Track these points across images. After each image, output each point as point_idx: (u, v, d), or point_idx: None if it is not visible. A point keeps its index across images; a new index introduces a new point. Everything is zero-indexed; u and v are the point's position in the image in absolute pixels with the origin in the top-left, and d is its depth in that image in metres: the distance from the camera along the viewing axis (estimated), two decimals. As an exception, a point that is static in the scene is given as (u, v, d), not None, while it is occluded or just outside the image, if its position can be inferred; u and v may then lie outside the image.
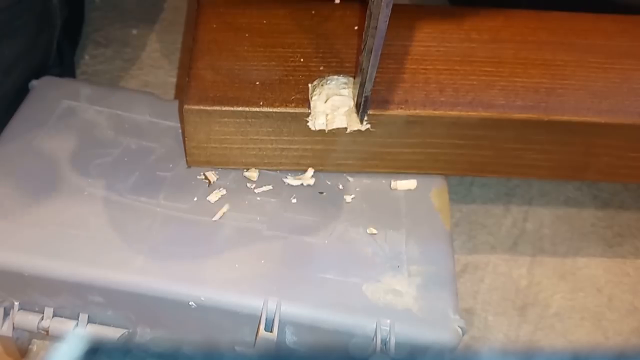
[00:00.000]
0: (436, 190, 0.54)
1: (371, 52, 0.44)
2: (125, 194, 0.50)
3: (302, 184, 0.52)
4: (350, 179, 0.54)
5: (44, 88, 0.57)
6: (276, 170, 0.53)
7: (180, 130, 0.55)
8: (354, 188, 0.53)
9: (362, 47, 0.45)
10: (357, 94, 0.48)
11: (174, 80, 0.75)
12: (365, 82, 0.46)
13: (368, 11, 0.43)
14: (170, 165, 0.53)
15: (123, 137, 0.54)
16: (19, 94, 0.57)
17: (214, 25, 0.55)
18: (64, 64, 0.67)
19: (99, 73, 0.74)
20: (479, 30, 0.56)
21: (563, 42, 0.56)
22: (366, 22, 0.44)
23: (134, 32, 0.80)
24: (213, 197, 0.51)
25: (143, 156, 0.53)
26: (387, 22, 0.42)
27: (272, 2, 0.57)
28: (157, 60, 0.77)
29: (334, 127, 0.50)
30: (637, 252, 0.64)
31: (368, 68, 0.45)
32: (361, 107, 0.48)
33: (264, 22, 0.55)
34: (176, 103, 0.58)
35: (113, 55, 0.76)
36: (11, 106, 0.56)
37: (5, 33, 0.55)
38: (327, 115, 0.50)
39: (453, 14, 0.58)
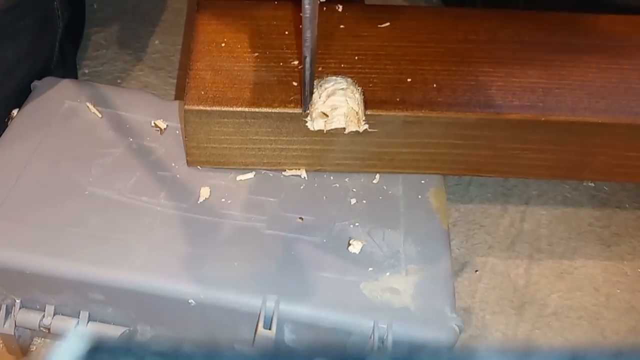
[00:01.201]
0: (434, 190, 0.54)
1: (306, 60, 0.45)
2: (126, 193, 0.51)
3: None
4: (349, 178, 0.54)
5: (45, 88, 0.57)
6: (275, 170, 0.54)
7: (180, 131, 0.56)
8: (352, 188, 0.53)
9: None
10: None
11: (174, 81, 0.75)
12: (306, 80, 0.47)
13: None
14: (171, 165, 0.53)
15: (124, 137, 0.55)
16: (21, 96, 0.57)
17: (213, 27, 0.55)
18: (66, 66, 0.68)
19: (100, 74, 0.75)
20: (476, 31, 0.57)
21: (560, 42, 0.57)
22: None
23: (135, 33, 0.80)
24: (213, 196, 0.51)
25: (144, 156, 0.54)
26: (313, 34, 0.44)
27: (270, 4, 0.58)
28: (157, 61, 0.77)
29: (332, 127, 0.50)
30: (635, 252, 0.65)
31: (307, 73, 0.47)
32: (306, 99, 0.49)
33: (263, 23, 0.56)
34: (176, 104, 0.58)
35: (114, 56, 0.77)
36: (13, 108, 0.56)
37: (7, 35, 0.55)
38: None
39: (450, 14, 0.59)
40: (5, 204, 0.49)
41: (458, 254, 0.63)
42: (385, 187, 0.54)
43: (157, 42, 0.79)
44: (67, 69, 0.68)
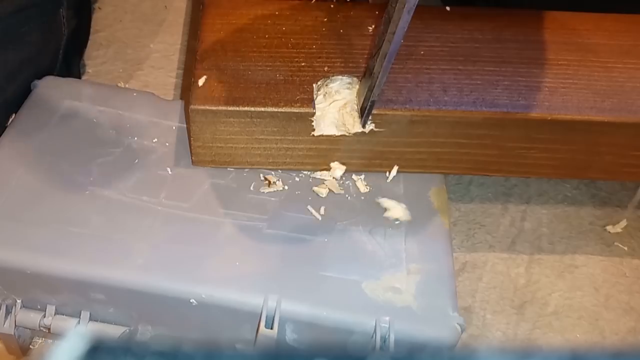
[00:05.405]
0: (435, 189, 0.54)
1: (385, 57, 0.43)
2: (127, 193, 0.50)
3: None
4: (352, 178, 0.54)
5: (46, 88, 0.57)
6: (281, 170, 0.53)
7: (181, 130, 0.55)
8: (355, 187, 0.53)
9: (374, 51, 0.45)
10: (363, 97, 0.48)
11: (174, 80, 0.75)
12: (374, 87, 0.46)
13: (386, 15, 0.43)
14: (171, 165, 0.53)
15: (124, 136, 0.55)
16: (23, 101, 0.56)
17: (219, 26, 0.55)
18: (71, 74, 0.67)
19: (101, 73, 0.74)
20: (482, 30, 0.57)
21: (566, 41, 0.57)
22: (382, 27, 0.43)
23: (135, 33, 0.80)
24: (213, 196, 0.51)
25: (144, 155, 0.53)
26: (406, 29, 0.42)
27: (276, 3, 0.57)
28: (157, 60, 0.77)
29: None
30: (634, 252, 0.65)
31: (379, 73, 0.45)
32: (366, 111, 0.48)
33: (269, 22, 0.55)
34: (176, 103, 0.58)
35: (114, 56, 0.77)
36: (14, 112, 0.56)
37: (11, 38, 0.55)
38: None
39: (456, 14, 0.59)
40: (5, 203, 0.48)
41: (459, 253, 0.63)
42: (386, 186, 0.54)
43: (157, 42, 0.79)
44: (71, 76, 0.68)
